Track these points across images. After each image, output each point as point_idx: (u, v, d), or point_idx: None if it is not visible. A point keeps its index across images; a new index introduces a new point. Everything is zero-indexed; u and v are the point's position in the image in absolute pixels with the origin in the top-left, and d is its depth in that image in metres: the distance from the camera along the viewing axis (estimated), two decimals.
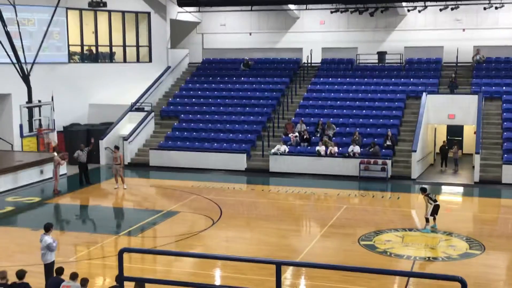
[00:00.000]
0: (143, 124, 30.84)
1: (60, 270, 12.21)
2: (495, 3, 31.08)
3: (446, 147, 28.62)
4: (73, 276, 11.65)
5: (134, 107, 31.83)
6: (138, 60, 34.82)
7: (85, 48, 33.19)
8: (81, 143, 26.82)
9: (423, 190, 18.68)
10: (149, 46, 34.96)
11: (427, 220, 18.01)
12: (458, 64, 31.95)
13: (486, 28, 32.59)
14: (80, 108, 32.06)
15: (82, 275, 11.99)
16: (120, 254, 6.65)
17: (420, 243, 17.09)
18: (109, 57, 34.12)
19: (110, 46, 33.86)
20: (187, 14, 36.39)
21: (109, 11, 32.92)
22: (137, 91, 32.80)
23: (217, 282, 14.41)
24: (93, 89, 32.50)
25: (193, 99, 32.99)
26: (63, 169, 26.90)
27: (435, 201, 18.09)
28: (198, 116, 31.49)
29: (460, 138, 31.44)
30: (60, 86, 30.40)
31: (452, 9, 31.80)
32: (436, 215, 18.06)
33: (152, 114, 31.66)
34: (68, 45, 31.81)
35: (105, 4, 30.26)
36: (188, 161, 28.52)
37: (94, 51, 33.57)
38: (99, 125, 31.38)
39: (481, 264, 15.47)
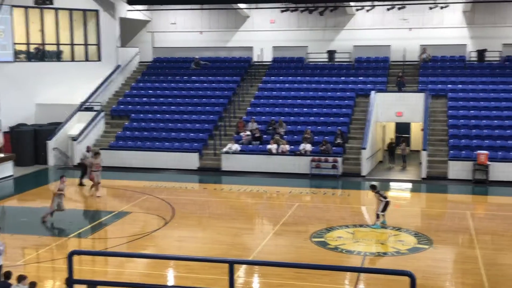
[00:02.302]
0: (93, 124, 30.36)
1: (8, 274, 11.92)
2: (440, 3, 31.88)
3: (393, 144, 29.22)
4: (20, 279, 11.40)
5: (83, 107, 31.29)
6: (87, 59, 34.22)
7: (32, 46, 32.39)
8: (87, 145, 26.93)
9: (373, 188, 19.05)
10: (98, 45, 34.41)
11: (377, 216, 18.34)
12: (405, 63, 32.64)
13: (432, 27, 33.40)
14: (27, 108, 31.29)
15: (31, 278, 11.73)
16: (70, 257, 6.55)
17: (370, 238, 17.41)
18: (57, 56, 33.41)
19: (58, 44, 33.15)
20: (136, 13, 35.98)
21: (56, 9, 32.24)
22: (86, 90, 32.25)
23: (170, 282, 14.33)
24: (40, 88, 31.76)
25: (144, 98, 32.67)
26: (9, 170, 26.25)
27: (385, 197, 18.46)
28: (149, 115, 31.21)
29: (408, 135, 32.14)
30: (6, 85, 29.63)
31: (399, 8, 32.47)
32: (385, 211, 18.40)
33: (102, 113, 31.19)
34: (14, 44, 30.98)
35: (51, 2, 29.60)
36: (139, 161, 28.24)
37: (41, 49, 32.77)
38: (47, 125, 30.70)
39: (429, 258, 15.86)
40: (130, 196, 22.76)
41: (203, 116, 30.69)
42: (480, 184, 24.71)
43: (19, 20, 31.49)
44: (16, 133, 29.53)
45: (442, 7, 32.01)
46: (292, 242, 17.30)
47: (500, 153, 25.79)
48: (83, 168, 24.69)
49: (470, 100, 29.29)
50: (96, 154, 23.92)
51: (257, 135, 28.20)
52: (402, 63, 32.71)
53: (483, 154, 24.93)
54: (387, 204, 18.37)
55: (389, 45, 33.49)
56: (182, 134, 29.52)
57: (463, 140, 26.75)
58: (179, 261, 15.10)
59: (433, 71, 31.83)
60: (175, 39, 37.07)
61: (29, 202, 22.46)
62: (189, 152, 28.11)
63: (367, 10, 33.05)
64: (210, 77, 34.00)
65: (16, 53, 31.41)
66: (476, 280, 14.21)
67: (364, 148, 26.39)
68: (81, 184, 24.50)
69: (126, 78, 35.23)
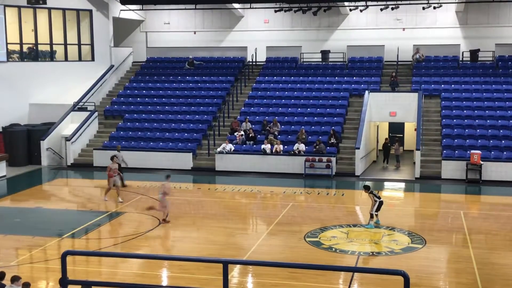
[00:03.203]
0: (86, 124, 30.29)
1: (1, 275, 11.87)
2: (433, 3, 31.99)
3: (388, 144, 29.29)
4: (14, 280, 11.35)
5: (77, 107, 31.22)
6: (80, 59, 34.15)
7: (25, 46, 32.29)
8: (117, 145, 26.46)
9: (366, 188, 19.05)
10: (92, 45, 34.34)
11: (371, 216, 18.36)
12: (399, 63, 32.74)
13: (425, 28, 33.52)
14: (20, 108, 31.20)
15: (25, 279, 11.69)
16: (64, 257, 6.54)
17: (364, 238, 17.44)
18: (50, 56, 33.32)
19: (51, 44, 33.05)
20: (130, 12, 35.94)
21: (49, 9, 32.16)
22: (80, 90, 32.20)
23: (164, 282, 14.31)
24: (33, 88, 31.68)
25: (138, 98, 32.63)
26: (2, 170, 26.18)
27: (379, 197, 18.50)
28: (143, 115, 31.18)
29: (401, 135, 32.22)
30: None
31: (392, 8, 32.55)
32: (379, 211, 18.44)
33: (96, 113, 31.13)
34: (7, 43, 30.87)
35: (44, 1, 29.52)
36: (134, 161, 28.14)
37: (34, 49, 32.66)
38: (40, 125, 30.62)
39: (423, 258, 15.91)
40: (125, 196, 22.70)
41: (197, 116, 30.68)
42: (473, 184, 24.80)
43: (12, 19, 31.39)
44: (9, 133, 29.43)
45: (435, 7, 32.12)
46: (286, 242, 17.31)
47: (493, 152, 25.89)
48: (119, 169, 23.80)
49: (464, 100, 29.40)
50: (113, 157, 22.70)
51: (251, 135, 28.22)
52: (395, 63, 32.80)
53: (476, 153, 25.02)
54: (380, 204, 18.42)
55: (383, 45, 33.58)
56: (176, 134, 29.50)
57: (456, 140, 26.85)
58: (173, 261, 15.09)
59: (426, 71, 31.93)
60: (169, 39, 37.03)
61: (23, 203, 22.38)
62: (183, 152, 28.09)
63: (361, 10, 33.12)
64: (204, 77, 34.00)
65: (9, 53, 31.31)
66: (469, 280, 14.26)
67: (358, 148, 26.44)
68: (123, 185, 23.77)
69: (120, 78, 35.18)
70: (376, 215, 18.43)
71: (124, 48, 36.46)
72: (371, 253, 16.28)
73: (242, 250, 16.62)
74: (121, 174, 23.34)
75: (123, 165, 24.22)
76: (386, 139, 29.84)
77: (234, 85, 32.90)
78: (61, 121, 30.32)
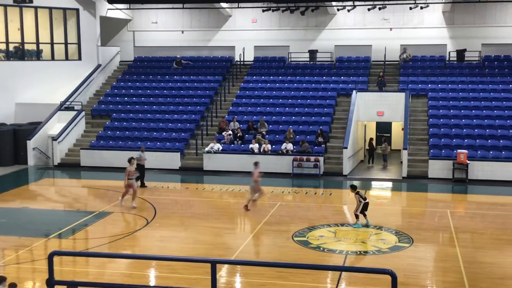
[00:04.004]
0: (73, 123, 30.14)
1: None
2: (420, 3, 32.15)
3: (373, 144, 29.41)
4: (0, 280, 11.28)
5: (64, 106, 31.05)
6: (67, 58, 33.96)
7: (11, 45, 32.06)
8: (142, 145, 25.98)
9: (353, 188, 18.93)
10: (78, 44, 34.17)
11: (356, 216, 18.37)
12: (386, 63, 32.87)
13: (412, 28, 33.69)
14: (6, 108, 30.98)
15: (11, 279, 11.61)
16: (50, 257, 6.50)
17: (352, 237, 17.50)
18: (36, 55, 33.11)
19: (37, 43, 32.85)
20: (117, 11, 35.79)
21: (36, 7, 31.95)
22: (67, 89, 32.02)
23: (152, 282, 14.28)
24: (19, 87, 31.48)
25: (125, 98, 32.51)
26: None
27: (364, 198, 18.40)
28: (131, 115, 31.07)
29: (389, 135, 32.36)
30: None
31: (379, 8, 32.68)
32: (366, 211, 18.35)
33: (83, 113, 30.98)
34: None
35: (31, 0, 29.31)
36: (121, 161, 27.93)
37: (20, 48, 32.43)
38: (27, 124, 30.42)
39: (410, 257, 15.99)
40: (112, 196, 22.62)
41: (185, 115, 30.62)
42: (460, 183, 24.97)
43: None
44: None
45: (422, 8, 32.29)
46: (274, 242, 17.33)
47: (479, 152, 26.07)
48: (140, 169, 23.58)
49: (450, 100, 29.58)
50: (131, 159, 21.36)
51: (239, 134, 28.21)
52: (383, 62, 32.93)
53: (462, 153, 25.18)
54: (365, 205, 18.28)
55: (370, 45, 33.70)
56: (164, 133, 29.43)
57: (443, 139, 27.01)
58: (161, 261, 15.05)
59: (413, 71, 32.09)
60: (156, 38, 36.93)
61: (9, 203, 22.21)
62: (171, 152, 28.03)
63: (348, 10, 33.22)
64: (192, 77, 33.94)
65: None
66: (456, 278, 14.36)
67: (345, 148, 26.52)
68: (142, 186, 23.60)
69: (107, 78, 35.03)
70: (365, 216, 18.35)
71: (111, 47, 36.31)
72: (358, 252, 16.34)
73: (230, 249, 16.61)
74: (143, 175, 23.22)
75: (144, 164, 24.10)
76: (370, 139, 29.94)
77: (222, 85, 32.88)
78: (48, 120, 30.14)
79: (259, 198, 20.64)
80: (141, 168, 23.75)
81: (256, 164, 20.84)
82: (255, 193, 20.38)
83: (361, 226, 18.21)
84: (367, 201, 18.42)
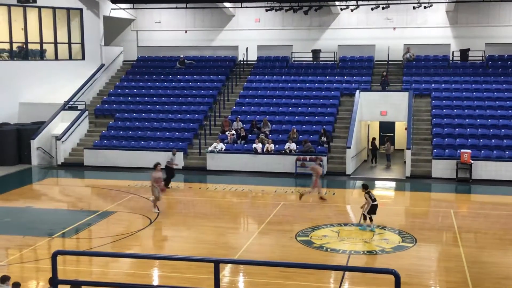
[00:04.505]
0: (77, 123, 30.19)
1: (4, 278, 11.80)
2: (424, 3, 32.11)
3: (375, 143, 29.37)
4: (4, 279, 11.30)
5: (67, 106, 31.10)
6: (70, 58, 34.01)
7: (15, 45, 32.12)
8: (173, 148, 26.10)
9: (364, 187, 18.32)
10: (82, 43, 34.21)
11: (364, 217, 17.94)
12: (389, 62, 32.81)
13: (415, 27, 33.64)
14: (10, 107, 31.04)
15: (15, 279, 11.64)
16: (54, 257, 6.51)
17: (355, 237, 17.48)
18: (40, 55, 33.16)
19: (41, 43, 32.90)
20: (121, 11, 35.83)
21: (39, 7, 32.00)
22: (70, 89, 32.06)
23: (155, 282, 14.29)
24: (23, 87, 31.53)
25: (129, 98, 32.53)
26: None
27: (374, 200, 17.80)
28: (134, 114, 31.10)
29: (392, 134, 32.32)
30: None
31: (383, 8, 32.65)
32: (374, 215, 17.83)
33: (86, 112, 31.02)
34: None
35: (35, 0, 29.36)
36: (124, 160, 28.13)
37: (24, 48, 32.49)
38: (30, 124, 30.48)
39: (413, 256, 15.98)
40: (115, 195, 22.66)
41: (188, 115, 30.63)
42: (463, 183, 24.92)
43: (2, 18, 31.25)
44: None
45: (425, 7, 32.24)
46: (277, 241, 17.32)
47: (483, 152, 26.02)
48: (169, 172, 23.56)
49: (454, 99, 29.53)
50: (157, 165, 20.76)
51: (242, 134, 28.21)
52: (386, 62, 32.88)
53: (466, 153, 25.14)
54: (374, 207, 17.78)
55: (374, 45, 33.65)
56: (167, 133, 29.45)
57: (446, 139, 26.96)
58: (164, 261, 15.07)
59: (417, 71, 32.03)
60: (159, 38, 36.95)
61: (13, 202, 22.26)
62: None
63: (352, 10, 33.20)
64: (195, 76, 33.95)
65: None
66: (459, 278, 14.33)
67: (348, 147, 26.49)
68: (167, 187, 23.41)
69: (110, 77, 35.06)
70: (371, 219, 17.83)
71: (114, 47, 36.34)
72: (362, 252, 16.32)
73: (233, 249, 16.62)
74: (170, 176, 23.19)
75: (174, 167, 24.05)
76: (373, 138, 29.87)
77: (225, 84, 32.88)
78: (51, 120, 30.18)
79: (313, 192, 21.80)
80: (170, 172, 23.58)
81: (317, 160, 23.29)
82: (315, 187, 21.63)
83: (366, 228, 17.84)
84: (376, 203, 17.83)
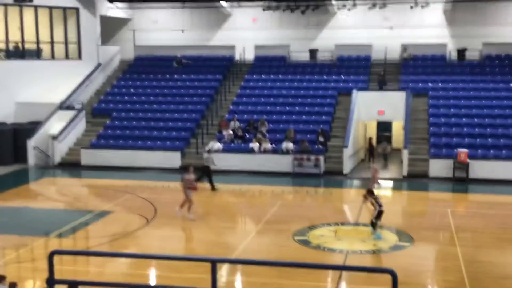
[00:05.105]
0: (74, 122, 30.13)
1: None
2: (421, 2, 32.13)
3: (372, 143, 29.38)
4: (0, 279, 11.27)
5: (64, 106, 31.04)
6: (67, 57, 33.95)
7: (10, 44, 32.04)
8: (208, 147, 25.40)
9: (370, 193, 17.63)
10: (79, 43, 34.14)
11: (372, 225, 17.14)
12: (387, 62, 32.82)
13: (412, 27, 33.65)
14: (6, 107, 30.96)
15: (11, 278, 11.61)
16: (51, 256, 6.49)
17: (352, 236, 17.47)
18: (36, 54, 33.08)
19: (37, 42, 32.83)
20: (117, 10, 35.77)
21: (36, 7, 31.93)
22: (67, 88, 31.99)
23: (153, 281, 14.27)
24: (20, 87, 31.46)
25: (126, 97, 32.49)
26: None
27: (380, 205, 17.15)
28: (131, 114, 31.06)
29: (389, 134, 32.33)
30: None
31: (380, 8, 32.69)
32: (379, 221, 17.29)
33: (83, 112, 30.96)
34: None
35: None
36: (121, 160, 28.08)
37: (20, 48, 32.42)
38: (27, 124, 30.41)
39: (410, 256, 15.98)
40: (112, 195, 22.62)
41: (185, 114, 30.60)
42: (460, 182, 24.94)
43: None
44: None
45: (422, 7, 32.28)
46: (274, 241, 17.31)
47: (480, 151, 26.04)
48: (207, 171, 23.23)
49: (451, 99, 29.56)
50: (189, 167, 20.13)
51: (239, 133, 28.19)
52: (383, 62, 32.90)
53: (463, 152, 25.16)
54: (380, 213, 17.15)
55: (371, 44, 33.66)
56: (164, 133, 29.42)
57: (443, 139, 26.99)
58: (162, 260, 15.04)
59: (414, 70, 32.05)
60: (156, 37, 36.91)
61: (9, 202, 22.20)
62: (172, 151, 28.01)
63: (349, 9, 33.22)
64: (192, 76, 33.92)
65: None
66: (456, 277, 14.34)
67: (346, 147, 26.50)
68: (213, 189, 23.06)
69: (107, 77, 35.01)
70: (380, 226, 17.30)
71: (111, 46, 36.29)
72: (359, 252, 16.32)
73: (231, 248, 16.60)
74: (210, 177, 22.90)
75: (212, 167, 23.53)
76: (370, 138, 29.88)
77: (223, 84, 32.85)
78: (48, 119, 30.12)
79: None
80: (207, 170, 23.20)
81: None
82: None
83: (381, 237, 16.98)
84: (382, 209, 17.15)
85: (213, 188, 23.18)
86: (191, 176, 19.52)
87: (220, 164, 27.14)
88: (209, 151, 24.03)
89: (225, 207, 21.66)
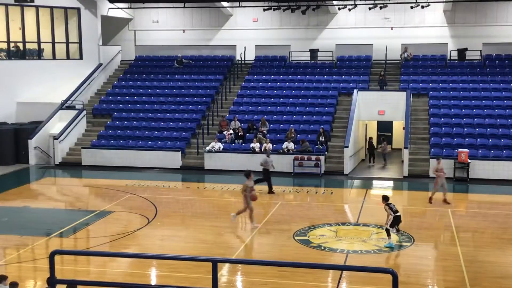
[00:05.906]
0: (75, 122, 30.16)
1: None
2: (421, 2, 32.13)
3: (372, 143, 29.40)
4: (1, 279, 11.29)
5: (65, 105, 31.07)
6: (68, 57, 33.98)
7: (12, 44, 32.08)
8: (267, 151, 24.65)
9: (385, 199, 17.02)
10: (80, 43, 34.18)
11: (387, 232, 16.48)
12: (387, 62, 32.84)
13: (413, 27, 33.67)
14: (8, 107, 31.01)
15: (12, 278, 11.63)
16: (52, 256, 6.52)
17: (353, 236, 17.49)
18: (37, 54, 33.12)
19: (38, 42, 32.86)
20: (118, 10, 35.80)
21: (37, 7, 31.97)
22: (68, 88, 32.03)
23: (153, 281, 14.29)
24: (21, 87, 31.50)
25: (127, 97, 32.52)
26: None
27: (395, 211, 16.54)
28: (132, 114, 31.09)
29: (390, 134, 32.34)
30: None
31: (380, 8, 32.68)
32: (398, 226, 16.66)
33: (84, 112, 31.00)
34: None
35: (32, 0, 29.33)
36: (122, 160, 28.12)
37: (21, 48, 32.46)
38: (28, 124, 30.45)
39: (411, 256, 15.99)
40: (113, 195, 22.65)
41: (186, 115, 30.63)
42: (461, 182, 24.95)
43: None
44: None
45: (423, 7, 32.27)
46: (275, 241, 17.33)
47: (480, 151, 26.06)
48: (266, 174, 22.78)
49: (451, 99, 29.57)
50: (250, 173, 18.93)
51: (240, 133, 28.21)
52: (384, 62, 32.91)
53: (463, 152, 25.17)
54: (395, 219, 16.42)
55: (371, 44, 33.68)
56: (165, 133, 29.45)
57: (444, 139, 27.00)
58: (162, 260, 15.06)
59: (414, 70, 32.07)
60: (157, 37, 36.94)
61: (10, 202, 22.23)
62: (172, 151, 28.04)
63: (349, 9, 33.21)
64: (193, 76, 33.95)
65: None
66: (457, 277, 14.35)
67: (346, 147, 26.52)
68: (271, 192, 22.54)
69: (108, 77, 35.04)
70: (398, 231, 16.67)
71: (112, 46, 36.32)
72: (359, 252, 16.34)
73: (231, 248, 16.62)
74: (269, 180, 22.46)
75: (271, 169, 23.16)
76: (370, 138, 29.89)
77: (223, 84, 32.88)
78: (49, 119, 30.16)
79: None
80: (266, 173, 22.81)
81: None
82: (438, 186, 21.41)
83: (393, 245, 16.42)
84: (398, 214, 16.53)
85: (271, 191, 22.61)
86: (251, 183, 18.76)
87: (220, 164, 27.22)
88: (267, 154, 23.33)
89: (225, 207, 21.66)
